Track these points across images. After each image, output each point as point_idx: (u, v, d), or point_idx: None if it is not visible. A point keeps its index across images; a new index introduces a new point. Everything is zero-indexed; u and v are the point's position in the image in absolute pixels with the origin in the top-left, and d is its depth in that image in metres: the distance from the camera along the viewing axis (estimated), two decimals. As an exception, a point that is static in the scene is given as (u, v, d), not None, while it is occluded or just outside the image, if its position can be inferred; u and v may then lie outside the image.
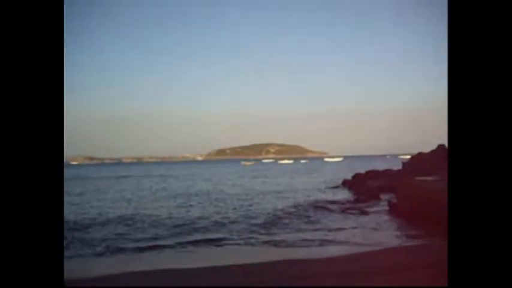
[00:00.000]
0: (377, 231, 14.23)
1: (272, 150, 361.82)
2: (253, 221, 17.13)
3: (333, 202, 22.69)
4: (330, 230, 14.71)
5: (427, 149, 28.11)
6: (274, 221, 16.98)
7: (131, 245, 12.96)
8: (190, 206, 23.62)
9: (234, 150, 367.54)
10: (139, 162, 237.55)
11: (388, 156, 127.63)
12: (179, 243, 13.02)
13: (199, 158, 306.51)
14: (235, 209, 21.59)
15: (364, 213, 18.47)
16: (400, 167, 30.88)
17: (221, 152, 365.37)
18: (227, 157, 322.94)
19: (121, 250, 12.33)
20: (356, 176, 34.61)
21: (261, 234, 14.44)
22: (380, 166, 41.51)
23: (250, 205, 23.14)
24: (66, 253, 11.21)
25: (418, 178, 18.07)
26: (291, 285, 7.99)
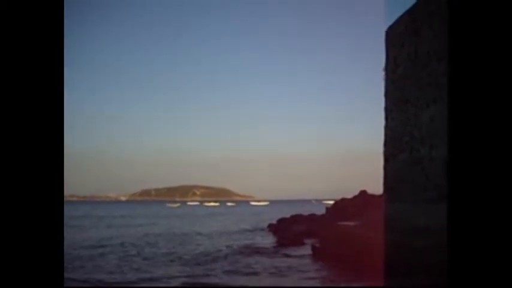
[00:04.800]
0: (298, 275, 14.26)
1: (198, 193, 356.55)
2: (174, 264, 16.62)
3: (257, 246, 22.61)
4: (252, 274, 14.57)
5: (349, 194, 28.96)
6: (197, 264, 16.62)
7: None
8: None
9: (159, 191, 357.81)
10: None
11: (313, 201, 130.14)
12: None
13: (123, 199, 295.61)
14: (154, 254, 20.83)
15: (287, 256, 18.52)
16: (324, 211, 31.49)
17: (146, 192, 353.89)
18: (152, 198, 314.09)
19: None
20: (281, 220, 34.82)
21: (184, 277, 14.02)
22: (305, 211, 42.14)
23: (173, 247, 22.56)
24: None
25: (340, 223, 18.47)
26: (289, 286, 7.77)
